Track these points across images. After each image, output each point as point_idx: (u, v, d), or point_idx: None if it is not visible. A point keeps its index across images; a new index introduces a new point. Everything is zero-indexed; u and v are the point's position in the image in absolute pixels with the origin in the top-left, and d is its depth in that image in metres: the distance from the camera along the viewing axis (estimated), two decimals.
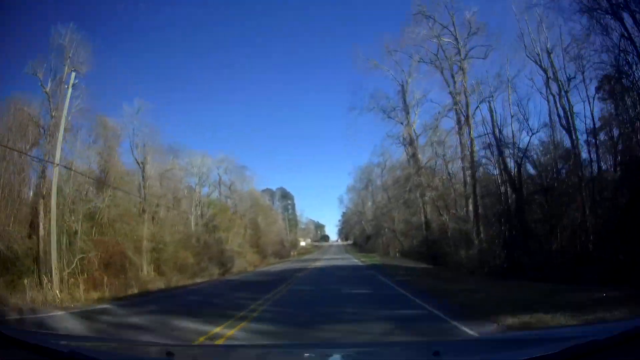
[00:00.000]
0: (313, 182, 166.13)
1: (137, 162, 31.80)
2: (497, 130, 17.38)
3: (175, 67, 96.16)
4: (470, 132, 20.64)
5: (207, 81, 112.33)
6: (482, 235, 18.59)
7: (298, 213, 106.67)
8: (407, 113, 28.31)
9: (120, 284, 21.16)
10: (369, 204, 62.36)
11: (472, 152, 20.42)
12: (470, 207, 22.44)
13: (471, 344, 3.27)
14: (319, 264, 37.22)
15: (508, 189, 16.80)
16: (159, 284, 21.08)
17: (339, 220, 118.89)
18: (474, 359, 2.27)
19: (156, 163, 37.40)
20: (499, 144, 17.07)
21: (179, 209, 46.96)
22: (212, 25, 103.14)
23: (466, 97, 21.11)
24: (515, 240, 15.84)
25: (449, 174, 23.48)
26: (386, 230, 42.74)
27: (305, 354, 2.72)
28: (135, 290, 18.12)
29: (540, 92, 18.11)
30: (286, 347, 3.68)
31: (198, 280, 24.86)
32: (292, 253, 59.58)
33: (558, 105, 17.93)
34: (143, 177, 31.74)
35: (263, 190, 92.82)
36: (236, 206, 58.53)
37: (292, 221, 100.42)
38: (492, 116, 17.96)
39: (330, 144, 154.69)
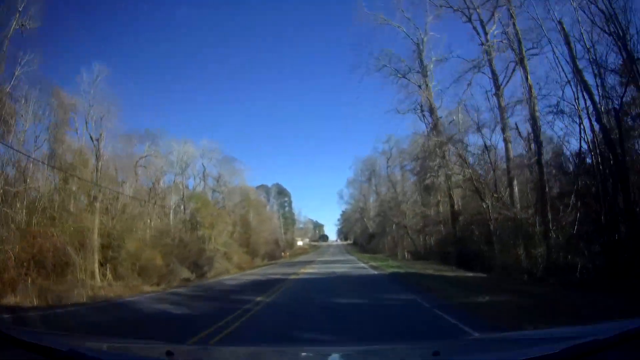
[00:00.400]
0: (312, 182, 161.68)
1: (91, 138, 25.88)
2: (577, 63, 11.39)
3: (173, 66, 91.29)
4: (527, 77, 14.74)
5: (203, 77, 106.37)
6: (551, 225, 12.55)
7: (296, 212, 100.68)
8: (425, 76, 22.54)
9: (50, 288, 15.43)
10: (372, 199, 56.31)
11: (531, 102, 14.37)
12: (516, 190, 16.68)
13: (471, 343, 3.14)
14: (310, 270, 25.58)
15: (598, 149, 10.88)
16: (79, 291, 15.21)
17: (338, 220, 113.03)
18: (474, 358, 2.24)
19: (121, 146, 31.80)
20: (583, 79, 11.02)
21: (159, 202, 41.36)
22: (209, 22, 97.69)
23: (517, 32, 15.29)
24: (616, 230, 9.99)
25: (485, 147, 17.65)
26: (394, 227, 36.79)
27: (305, 354, 2.75)
28: (36, 302, 12.30)
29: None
30: (285, 348, 3.72)
31: (147, 288, 19.01)
32: (282, 254, 52.96)
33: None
34: (96, 156, 25.83)
35: (258, 187, 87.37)
36: (224, 201, 52.72)
37: (289, 219, 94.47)
38: (567, 43, 11.82)
39: (331, 144, 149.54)
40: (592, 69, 11.41)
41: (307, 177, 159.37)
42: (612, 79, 10.84)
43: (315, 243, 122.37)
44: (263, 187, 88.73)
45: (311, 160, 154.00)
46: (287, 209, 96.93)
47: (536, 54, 16.00)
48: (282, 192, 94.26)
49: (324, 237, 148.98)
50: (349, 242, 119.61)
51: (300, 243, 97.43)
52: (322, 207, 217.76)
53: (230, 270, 34.22)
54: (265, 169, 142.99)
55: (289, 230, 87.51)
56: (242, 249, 50.00)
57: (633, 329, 1.55)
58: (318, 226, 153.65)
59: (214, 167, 51.93)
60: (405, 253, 35.04)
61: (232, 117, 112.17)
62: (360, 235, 71.09)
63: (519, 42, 15.16)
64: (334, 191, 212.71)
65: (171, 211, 42.70)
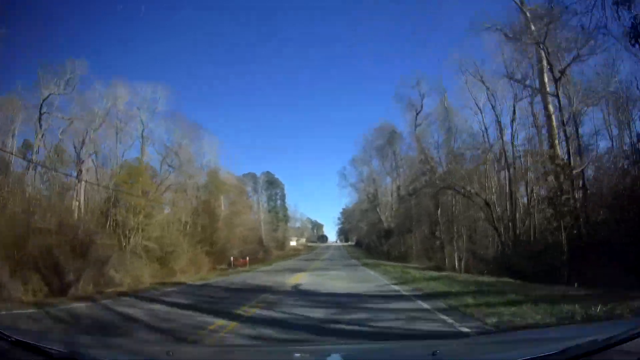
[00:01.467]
0: (313, 184, 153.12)
1: None
2: None
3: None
4: None
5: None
6: None
7: (291, 208, 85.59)
8: None
9: None
10: (386, 183, 40.99)
11: None
12: None
13: (470, 343, 3.11)
14: None
15: None
16: None
17: (339, 219, 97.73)
18: (473, 358, 2.18)
19: None
20: None
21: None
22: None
23: None
24: None
25: None
26: (438, 214, 21.62)
27: (304, 354, 2.71)
28: None
29: None
30: (285, 347, 3.80)
31: None
32: (232, 261, 34.91)
33: None
34: None
35: (244, 175, 73.51)
36: (184, 180, 37.96)
37: (280, 215, 79.48)
38: None
39: (335, 142, 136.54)
40: None
41: (307, 178, 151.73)
42: None
43: (312, 244, 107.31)
44: (250, 176, 74.00)
45: (311, 159, 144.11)
46: (278, 202, 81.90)
47: None
48: (273, 183, 79.18)
49: (323, 238, 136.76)
50: (350, 243, 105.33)
51: (293, 243, 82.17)
52: (322, 209, 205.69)
53: (142, 279, 19.06)
54: (261, 166, 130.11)
55: (279, 228, 72.42)
56: (203, 248, 35.23)
57: (632, 329, 1.55)
58: (317, 226, 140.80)
59: (167, 131, 37.04)
60: (457, 262, 20.06)
61: (226, 106, 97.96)
62: (367, 234, 55.27)
63: None
64: (335, 192, 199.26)
65: (81, 184, 28.00)
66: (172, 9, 70.21)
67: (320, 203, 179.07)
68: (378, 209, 39.56)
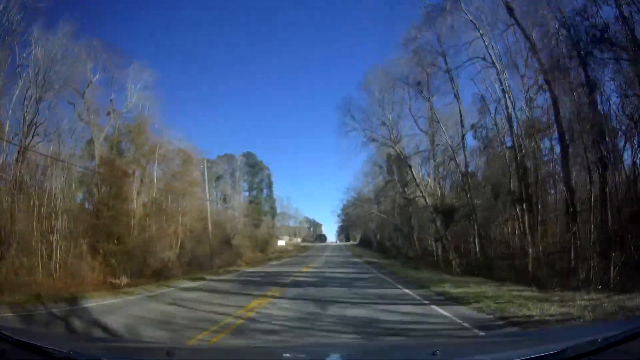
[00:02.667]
0: (313, 185, 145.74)
1: None
2: None
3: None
4: None
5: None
6: None
7: (284, 202, 69.44)
8: None
9: None
10: (421, 135, 23.90)
11: None
12: None
13: (470, 343, 3.07)
14: None
15: None
16: None
17: (338, 215, 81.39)
18: (473, 358, 2.16)
19: None
20: None
21: None
22: None
23: None
24: None
25: None
26: None
27: (304, 354, 2.68)
28: None
29: None
30: (285, 347, 3.67)
31: None
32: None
33: None
34: None
35: (219, 157, 58.09)
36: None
37: (267, 207, 63.53)
38: None
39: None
40: None
41: (307, 178, 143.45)
42: None
43: (308, 244, 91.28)
44: (226, 158, 58.24)
45: (311, 159, 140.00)
46: (264, 191, 65.77)
47: None
48: (254, 166, 62.94)
49: (321, 237, 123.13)
50: (352, 242, 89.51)
51: (281, 243, 65.92)
52: (322, 211, 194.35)
53: None
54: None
55: (262, 223, 56.29)
56: (98, 244, 19.87)
57: (632, 329, 1.54)
58: (315, 225, 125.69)
59: (63, 53, 21.45)
60: None
61: (226, 106, 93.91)
62: (380, 227, 38.52)
63: None
64: (334, 194, 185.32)
65: None
66: (172, 9, 67.61)
67: (320, 204, 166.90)
68: (411, 171, 22.23)
